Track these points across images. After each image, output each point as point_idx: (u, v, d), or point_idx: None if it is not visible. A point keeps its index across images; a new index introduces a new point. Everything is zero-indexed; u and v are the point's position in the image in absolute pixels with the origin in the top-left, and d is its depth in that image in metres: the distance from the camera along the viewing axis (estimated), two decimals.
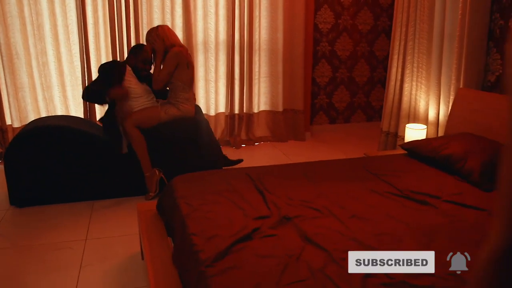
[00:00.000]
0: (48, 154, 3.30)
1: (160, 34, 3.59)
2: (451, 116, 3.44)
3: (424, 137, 3.74)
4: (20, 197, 3.31)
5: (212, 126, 4.86)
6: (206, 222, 1.91)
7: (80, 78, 4.35)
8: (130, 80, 3.54)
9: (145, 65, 3.64)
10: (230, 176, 2.48)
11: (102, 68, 3.52)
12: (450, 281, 1.53)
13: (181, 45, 3.67)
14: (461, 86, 3.46)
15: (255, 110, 5.00)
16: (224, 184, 2.36)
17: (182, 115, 3.60)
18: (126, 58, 3.67)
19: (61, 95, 4.39)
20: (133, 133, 3.41)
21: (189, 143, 3.60)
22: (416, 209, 2.15)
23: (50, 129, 3.32)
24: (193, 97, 3.74)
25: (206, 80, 4.74)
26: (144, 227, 2.34)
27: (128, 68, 3.56)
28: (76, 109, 4.46)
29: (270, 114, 5.06)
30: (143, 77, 3.65)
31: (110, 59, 4.35)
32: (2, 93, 4.22)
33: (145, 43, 3.66)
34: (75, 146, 3.35)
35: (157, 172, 3.48)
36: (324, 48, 5.40)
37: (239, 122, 4.90)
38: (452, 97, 3.54)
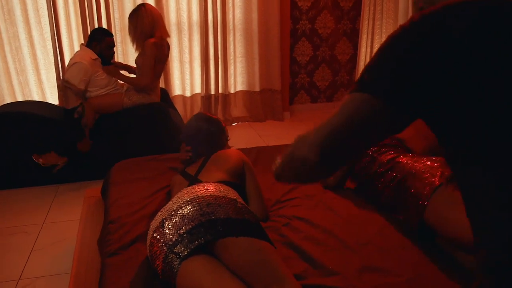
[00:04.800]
0: (13, 139, 3.36)
1: (144, 17, 3.39)
2: None
3: None
4: None
5: (188, 107, 4.87)
6: (126, 210, 1.94)
7: (53, 62, 4.37)
8: (98, 73, 3.47)
9: (110, 51, 3.60)
10: (169, 161, 2.50)
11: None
12: None
13: (163, 33, 3.49)
14: None
15: (232, 91, 4.99)
16: (160, 170, 2.39)
17: (146, 102, 3.54)
18: (88, 44, 3.56)
19: (36, 78, 4.42)
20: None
21: (148, 132, 3.54)
22: None
23: (14, 115, 3.38)
24: (158, 86, 3.69)
25: (181, 62, 4.73)
26: (85, 212, 2.39)
27: (94, 59, 3.47)
28: (52, 92, 4.50)
29: (247, 94, 5.05)
30: (108, 62, 3.62)
31: (82, 40, 4.33)
32: None
33: (103, 27, 3.62)
34: (40, 132, 3.40)
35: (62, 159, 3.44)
36: (304, 26, 5.32)
37: (215, 103, 4.90)
38: None
